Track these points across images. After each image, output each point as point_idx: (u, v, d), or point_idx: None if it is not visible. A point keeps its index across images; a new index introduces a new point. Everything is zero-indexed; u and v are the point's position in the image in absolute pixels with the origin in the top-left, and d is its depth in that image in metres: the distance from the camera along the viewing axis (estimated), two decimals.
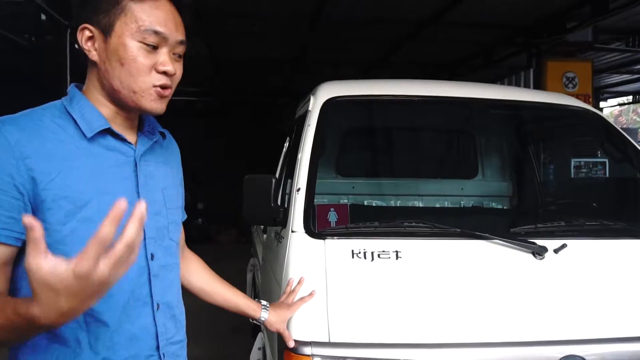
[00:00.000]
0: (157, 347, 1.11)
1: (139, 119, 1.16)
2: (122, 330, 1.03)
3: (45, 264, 0.72)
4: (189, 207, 4.81)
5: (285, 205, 2.02)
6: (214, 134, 11.50)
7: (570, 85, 5.90)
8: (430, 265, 1.76)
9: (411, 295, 1.69)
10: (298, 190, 1.93)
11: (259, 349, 2.76)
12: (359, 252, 1.76)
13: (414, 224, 1.84)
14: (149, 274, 1.08)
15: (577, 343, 1.64)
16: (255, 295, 4.40)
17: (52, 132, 1.00)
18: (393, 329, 1.63)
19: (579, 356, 1.62)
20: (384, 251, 1.76)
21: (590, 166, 6.27)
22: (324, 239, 1.79)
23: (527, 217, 2.78)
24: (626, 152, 2.32)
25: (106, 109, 1.07)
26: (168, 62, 1.05)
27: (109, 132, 1.06)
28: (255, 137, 11.04)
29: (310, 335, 1.62)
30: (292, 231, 1.85)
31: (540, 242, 1.80)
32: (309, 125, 2.13)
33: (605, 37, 6.04)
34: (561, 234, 1.88)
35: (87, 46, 1.04)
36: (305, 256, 1.77)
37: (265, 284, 2.47)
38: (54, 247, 0.88)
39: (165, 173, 1.19)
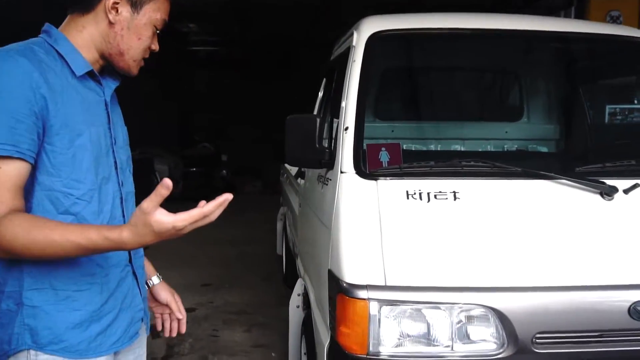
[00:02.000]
0: (130, 260, 1.29)
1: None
2: None
3: (156, 212, 0.98)
4: (214, 159, 4.84)
5: (332, 147, 1.92)
6: (237, 85, 11.34)
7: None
8: (490, 206, 1.65)
9: (470, 238, 1.59)
10: (346, 129, 1.82)
11: (299, 295, 2.73)
12: (414, 193, 1.66)
13: (472, 162, 1.73)
14: (121, 197, 1.24)
15: None
16: (288, 243, 4.38)
17: (49, 66, 1.12)
18: (451, 272, 1.54)
19: None
20: (440, 192, 1.66)
21: (627, 113, 5.96)
22: (376, 179, 1.69)
23: (578, 160, 2.64)
24: None
25: (90, 56, 1.21)
26: (156, 42, 1.27)
27: (90, 74, 1.20)
28: (280, 88, 10.85)
29: (366, 279, 1.55)
30: (342, 172, 1.75)
31: (609, 182, 1.68)
32: (354, 61, 1.99)
33: None
34: (631, 174, 1.74)
35: (112, 8, 1.18)
36: (357, 198, 1.68)
37: (307, 230, 2.41)
38: (60, 168, 1.10)
39: (118, 113, 1.32)
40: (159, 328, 1.47)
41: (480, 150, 2.99)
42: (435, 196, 1.65)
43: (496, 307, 1.51)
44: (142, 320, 1.35)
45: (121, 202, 1.26)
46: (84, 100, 1.18)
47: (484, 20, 2.23)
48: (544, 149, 3.13)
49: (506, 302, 1.51)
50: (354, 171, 1.72)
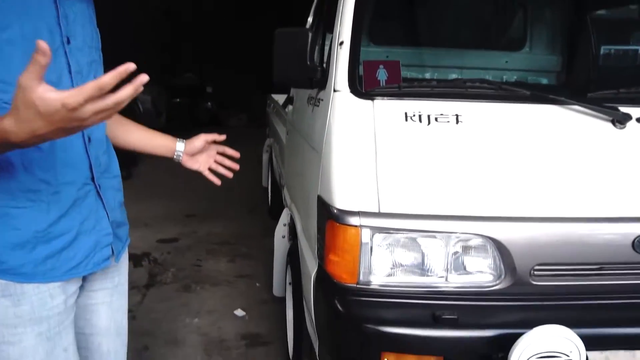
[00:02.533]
0: (92, 178, 1.14)
1: None
2: (55, 156, 1.05)
3: (39, 87, 0.76)
4: (198, 90, 4.55)
5: (324, 64, 1.76)
6: (223, 15, 10.82)
7: None
8: (494, 131, 1.53)
9: (471, 164, 1.48)
10: (341, 44, 1.65)
11: (284, 225, 2.65)
12: (413, 115, 1.52)
13: (477, 84, 1.59)
14: None
15: None
16: (274, 175, 4.27)
17: None
18: (450, 200, 1.44)
19: None
20: (442, 114, 1.53)
21: (621, 53, 5.77)
22: (372, 99, 1.55)
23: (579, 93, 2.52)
24: None
25: None
26: None
27: None
28: (269, 19, 10.37)
29: (359, 205, 1.44)
30: (335, 91, 1.60)
31: (622, 109, 1.56)
32: None
33: None
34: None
35: None
36: (351, 119, 1.54)
37: (295, 157, 2.28)
38: None
39: (81, 9, 1.12)
40: (216, 181, 1.47)
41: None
42: (436, 119, 1.52)
43: (495, 237, 1.42)
44: (111, 245, 1.21)
45: None
46: None
47: None
48: (544, 81, 2.98)
49: (506, 232, 1.42)
50: (349, 90, 1.57)
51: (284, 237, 2.68)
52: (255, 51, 10.36)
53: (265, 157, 4.92)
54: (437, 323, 1.38)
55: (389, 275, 1.45)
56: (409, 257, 1.45)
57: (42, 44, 0.74)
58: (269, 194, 4.77)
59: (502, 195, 1.45)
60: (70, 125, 0.80)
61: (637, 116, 1.56)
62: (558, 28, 2.95)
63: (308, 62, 1.72)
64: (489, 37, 3.03)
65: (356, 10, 1.69)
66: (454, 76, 2.81)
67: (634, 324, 1.42)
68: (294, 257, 2.25)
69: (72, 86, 1.05)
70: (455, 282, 1.45)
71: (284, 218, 2.63)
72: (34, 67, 0.75)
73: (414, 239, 1.44)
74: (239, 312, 2.96)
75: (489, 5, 2.98)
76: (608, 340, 1.39)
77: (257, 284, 3.35)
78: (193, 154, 1.43)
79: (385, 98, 1.55)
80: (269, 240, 4.10)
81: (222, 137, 1.46)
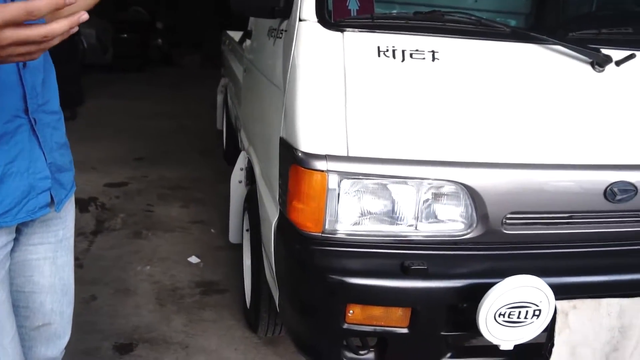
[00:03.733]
0: (26, 111, 0.99)
1: None
2: None
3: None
4: (148, 25, 4.14)
5: None
6: None
7: None
8: (471, 70, 1.42)
9: (446, 106, 1.37)
10: None
11: (241, 169, 2.51)
12: (387, 50, 1.39)
13: (456, 17, 1.46)
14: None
15: (630, 169, 1.42)
16: (229, 117, 4.07)
17: None
18: (423, 144, 1.34)
19: (630, 182, 1.41)
20: (417, 50, 1.40)
21: None
22: (342, 31, 1.39)
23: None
24: None
25: None
26: None
27: None
28: None
29: (326, 148, 1.32)
30: (300, 20, 1.44)
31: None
32: None
33: None
34: (625, 44, 1.54)
35: None
36: (318, 52, 1.39)
37: (254, 96, 2.11)
38: None
39: None
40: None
41: None
42: (411, 55, 1.39)
43: (469, 184, 1.34)
44: (50, 191, 1.06)
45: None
46: None
47: None
48: (513, 23, 2.88)
49: (480, 179, 1.35)
50: (316, 19, 1.41)
51: (240, 182, 2.54)
52: None
53: (219, 98, 4.68)
54: (405, 274, 1.30)
55: (356, 223, 1.36)
56: (378, 205, 1.36)
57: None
58: (223, 137, 4.58)
59: (477, 140, 1.37)
60: None
61: (617, 59, 1.49)
62: None
63: None
64: None
65: None
66: None
67: (601, 272, 1.40)
68: (251, 202, 2.13)
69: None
70: (425, 230, 1.38)
71: (240, 162, 2.49)
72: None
73: (384, 185, 1.34)
74: (193, 259, 2.85)
75: None
76: (576, 288, 1.36)
77: (212, 230, 3.23)
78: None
79: (357, 30, 1.40)
80: (224, 186, 3.95)
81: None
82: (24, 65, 0.97)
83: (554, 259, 1.41)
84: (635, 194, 1.42)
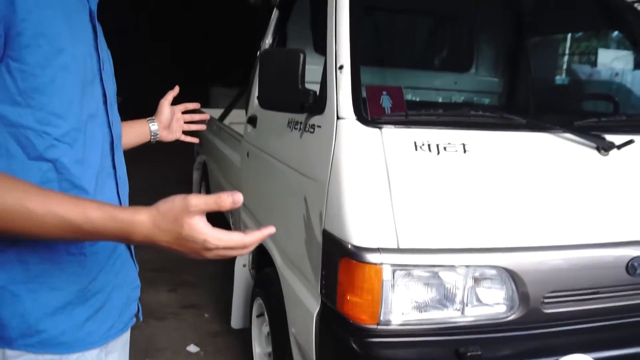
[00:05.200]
0: None
1: None
2: (100, 199, 0.91)
3: (198, 216, 0.74)
4: None
5: (318, 88, 1.67)
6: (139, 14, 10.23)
7: None
8: (497, 160, 1.54)
9: (482, 193, 1.47)
10: (340, 68, 1.57)
11: (244, 265, 2.50)
12: (422, 144, 1.49)
13: (480, 112, 1.59)
14: (112, 142, 0.97)
15: None
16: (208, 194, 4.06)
17: None
18: (464, 232, 1.42)
19: None
20: (450, 143, 1.51)
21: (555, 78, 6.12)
22: (380, 127, 1.49)
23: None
24: None
25: None
26: None
27: None
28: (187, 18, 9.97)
29: (378, 241, 1.37)
30: (339, 118, 1.52)
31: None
32: None
33: None
34: (620, 130, 1.72)
35: None
36: (360, 148, 1.47)
37: (269, 182, 2.15)
38: (30, 95, 0.78)
39: (101, 31, 1.01)
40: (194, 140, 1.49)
41: (431, 100, 2.89)
42: (444, 148, 1.49)
43: (510, 268, 1.42)
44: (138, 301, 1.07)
45: (111, 149, 0.96)
46: (65, 4, 0.84)
47: None
48: (487, 101, 3.12)
49: (520, 262, 1.43)
50: (355, 117, 1.50)
51: (244, 265, 2.53)
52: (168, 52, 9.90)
53: (196, 175, 4.67)
54: None
55: (408, 313, 1.40)
56: (428, 293, 1.40)
57: (239, 197, 0.75)
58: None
59: (512, 225, 1.46)
60: (187, 252, 0.78)
61: (618, 143, 1.65)
62: (500, 52, 3.11)
63: (300, 86, 1.63)
64: (441, 58, 3.11)
65: (352, 30, 1.63)
66: (408, 96, 2.84)
67: (631, 344, 1.49)
68: (268, 289, 2.12)
69: (108, 118, 0.95)
70: (472, 315, 1.43)
71: (241, 258, 2.48)
72: (213, 203, 0.74)
73: (434, 274, 1.39)
74: (193, 348, 2.74)
75: (440, 28, 3.06)
76: None
77: (206, 315, 3.14)
78: (167, 126, 1.37)
79: (393, 126, 1.50)
80: (211, 266, 3.90)
81: (195, 105, 1.45)
82: (119, 179, 1.00)
83: (592, 333, 1.49)
84: None
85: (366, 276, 1.35)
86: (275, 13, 2.49)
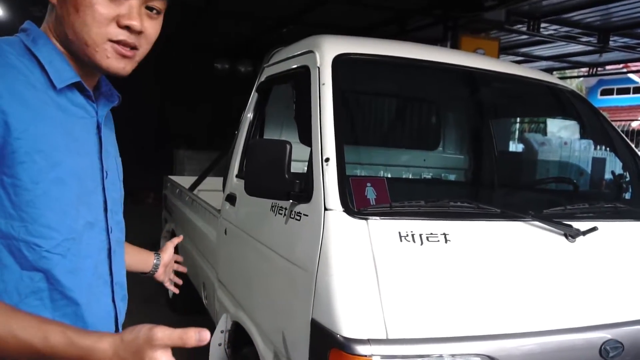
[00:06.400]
0: (117, 332, 1.02)
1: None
2: (91, 310, 0.95)
3: (162, 351, 0.73)
4: None
5: (305, 179, 1.74)
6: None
7: None
8: (476, 249, 1.63)
9: (463, 283, 1.55)
10: (327, 160, 1.65)
11: (222, 332, 2.46)
12: (407, 235, 1.56)
13: (459, 203, 1.69)
14: (109, 249, 0.99)
15: (616, 326, 1.64)
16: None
17: (22, 74, 0.85)
18: (449, 321, 1.47)
19: (618, 340, 1.62)
20: (432, 234, 1.58)
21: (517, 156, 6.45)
22: (366, 219, 1.56)
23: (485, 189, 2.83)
24: (609, 137, 2.38)
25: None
26: (134, 15, 0.89)
27: (76, 86, 0.93)
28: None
29: (367, 332, 1.40)
30: (327, 209, 1.58)
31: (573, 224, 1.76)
32: (323, 83, 1.84)
33: (513, 18, 6.36)
34: (585, 217, 1.86)
35: None
36: (348, 240, 1.53)
37: (250, 263, 2.16)
38: (22, 209, 0.82)
39: (112, 141, 1.08)
40: (176, 291, 1.54)
41: (404, 177, 3.02)
42: (427, 238, 1.57)
43: (492, 355, 1.47)
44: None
45: (109, 255, 0.99)
46: (67, 120, 0.90)
47: (421, 51, 2.23)
48: (452, 177, 3.28)
49: (501, 349, 1.48)
50: (342, 209, 1.57)
51: (220, 344, 2.48)
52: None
53: (164, 243, 4.60)
54: None
55: None
56: None
57: (205, 335, 0.72)
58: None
59: (493, 313, 1.53)
60: None
61: (583, 230, 1.77)
62: (465, 131, 3.30)
63: (286, 175, 1.69)
64: (410, 137, 3.28)
65: (337, 128, 1.72)
66: (381, 173, 2.96)
67: None
68: None
69: (107, 226, 0.98)
70: None
71: (221, 324, 2.45)
72: (178, 339, 0.72)
73: None
74: None
75: (409, 110, 3.24)
76: None
77: None
78: (166, 265, 1.42)
79: (378, 218, 1.57)
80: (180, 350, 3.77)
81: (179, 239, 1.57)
82: (115, 286, 1.01)
83: None
84: (623, 350, 1.62)
85: None
86: (254, 95, 2.59)
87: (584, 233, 1.77)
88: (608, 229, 1.84)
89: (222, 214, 2.64)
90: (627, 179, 2.23)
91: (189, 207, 3.74)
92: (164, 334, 0.72)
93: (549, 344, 1.55)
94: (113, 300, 1.01)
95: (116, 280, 1.01)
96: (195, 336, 0.72)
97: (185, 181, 4.33)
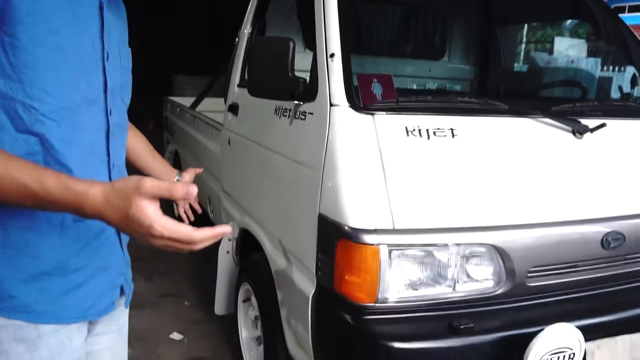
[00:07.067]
0: None
1: None
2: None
3: (149, 200, 0.74)
4: None
5: (308, 76, 1.70)
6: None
7: None
8: (483, 144, 1.61)
9: (469, 176, 1.55)
10: (332, 56, 1.61)
11: (229, 240, 2.51)
12: (413, 130, 1.54)
13: (467, 99, 1.66)
14: (108, 130, 0.98)
15: (617, 219, 1.66)
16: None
17: None
18: (455, 212, 1.49)
19: (619, 232, 1.64)
20: (439, 129, 1.57)
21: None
22: (372, 114, 1.54)
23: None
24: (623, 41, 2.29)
25: None
26: None
27: None
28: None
29: (374, 222, 1.42)
30: (332, 105, 1.56)
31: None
32: None
33: None
34: (594, 114, 1.83)
35: None
36: (354, 134, 1.51)
37: (255, 170, 2.17)
38: (21, 70, 0.82)
39: (119, 28, 1.05)
40: (189, 219, 1.52)
41: (408, 87, 2.96)
42: (434, 133, 1.56)
43: (498, 245, 1.50)
44: (122, 289, 1.10)
45: (107, 136, 0.99)
46: None
47: None
48: (458, 88, 3.22)
49: (506, 240, 1.51)
50: (348, 104, 1.54)
51: (228, 252, 2.54)
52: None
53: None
54: (455, 333, 1.42)
55: (403, 290, 1.46)
56: (421, 271, 1.47)
57: (193, 190, 0.75)
58: (173, 204, 4.49)
59: (499, 204, 1.54)
60: (134, 235, 0.78)
61: (592, 127, 1.75)
62: (472, 41, 3.20)
63: (290, 74, 1.65)
64: (416, 46, 3.18)
65: (341, 18, 1.66)
66: None
67: (613, 311, 1.61)
68: (255, 273, 2.15)
69: (106, 107, 0.97)
70: (461, 290, 1.50)
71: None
72: (167, 190, 0.74)
73: (427, 253, 1.46)
74: (176, 336, 2.75)
75: (414, 18, 3.12)
76: (595, 329, 1.54)
77: (186, 303, 3.14)
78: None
79: (384, 113, 1.55)
80: (184, 255, 3.88)
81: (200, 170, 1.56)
82: (113, 166, 1.01)
83: (572, 303, 1.59)
84: (624, 241, 1.65)
85: (364, 257, 1.41)
86: (252, 3, 2.49)
87: (592, 130, 1.75)
88: (617, 126, 1.82)
89: (225, 125, 2.61)
90: None
91: (190, 125, 3.72)
92: (152, 183, 0.74)
93: (553, 235, 1.57)
94: (110, 180, 1.00)
95: (114, 162, 1.01)
96: (182, 189, 0.74)
97: (185, 102, 4.28)
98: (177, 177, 1.43)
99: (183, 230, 0.75)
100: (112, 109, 0.99)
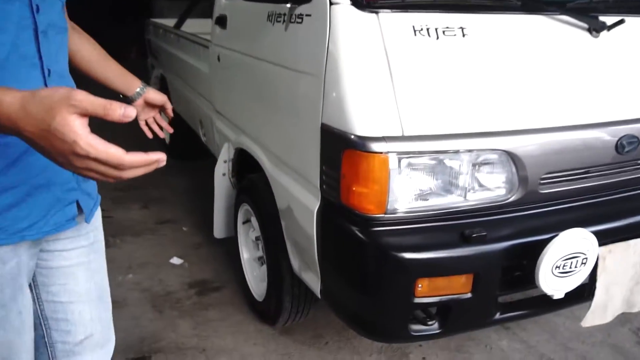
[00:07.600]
0: None
1: None
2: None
3: (76, 114, 0.64)
4: None
5: None
6: None
7: None
8: (495, 44, 1.50)
9: (482, 78, 1.45)
10: None
11: (225, 161, 2.43)
12: (421, 29, 1.42)
13: None
14: (36, 29, 0.88)
15: (633, 122, 1.59)
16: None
17: None
18: (466, 117, 1.40)
19: (635, 135, 1.57)
20: (448, 27, 1.44)
21: None
22: (376, 12, 1.40)
23: None
24: None
25: None
26: None
27: None
28: None
29: (382, 130, 1.33)
30: (332, 3, 1.42)
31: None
32: None
33: None
34: (611, 10, 1.70)
35: None
36: (357, 35, 1.39)
37: (250, 84, 2.04)
38: None
39: None
40: (149, 135, 1.40)
41: None
42: (443, 32, 1.43)
43: (511, 151, 1.43)
44: (79, 203, 1.02)
45: (35, 36, 0.88)
46: None
47: None
48: None
49: (520, 145, 1.43)
50: (349, 2, 1.41)
51: (224, 174, 2.47)
52: None
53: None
54: (467, 242, 1.37)
55: (413, 200, 1.40)
56: (432, 180, 1.40)
57: (131, 112, 0.64)
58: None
59: (511, 109, 1.45)
60: (53, 154, 0.66)
61: (609, 24, 1.63)
62: None
63: None
64: None
65: None
66: None
67: (625, 216, 1.57)
68: (255, 193, 2.09)
69: (30, 3, 0.86)
70: (474, 199, 1.45)
71: (224, 154, 2.41)
72: (99, 106, 0.63)
73: (437, 160, 1.39)
74: (176, 260, 2.73)
75: None
76: (607, 234, 1.51)
77: (184, 228, 3.11)
78: (147, 104, 1.33)
79: (389, 10, 1.41)
80: (178, 180, 3.82)
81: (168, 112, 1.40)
82: (49, 73, 0.92)
83: (585, 209, 1.55)
84: (638, 144, 1.59)
85: (372, 166, 1.33)
86: None
87: (610, 27, 1.63)
88: (636, 24, 1.70)
89: (212, 40, 2.45)
90: None
91: (175, 46, 3.51)
92: (86, 96, 0.63)
93: (567, 139, 1.50)
94: (46, 86, 0.90)
95: (50, 67, 0.91)
96: (119, 110, 0.63)
97: (168, 24, 4.03)
98: (138, 89, 1.28)
99: (112, 151, 0.64)
100: (39, 4, 0.87)
